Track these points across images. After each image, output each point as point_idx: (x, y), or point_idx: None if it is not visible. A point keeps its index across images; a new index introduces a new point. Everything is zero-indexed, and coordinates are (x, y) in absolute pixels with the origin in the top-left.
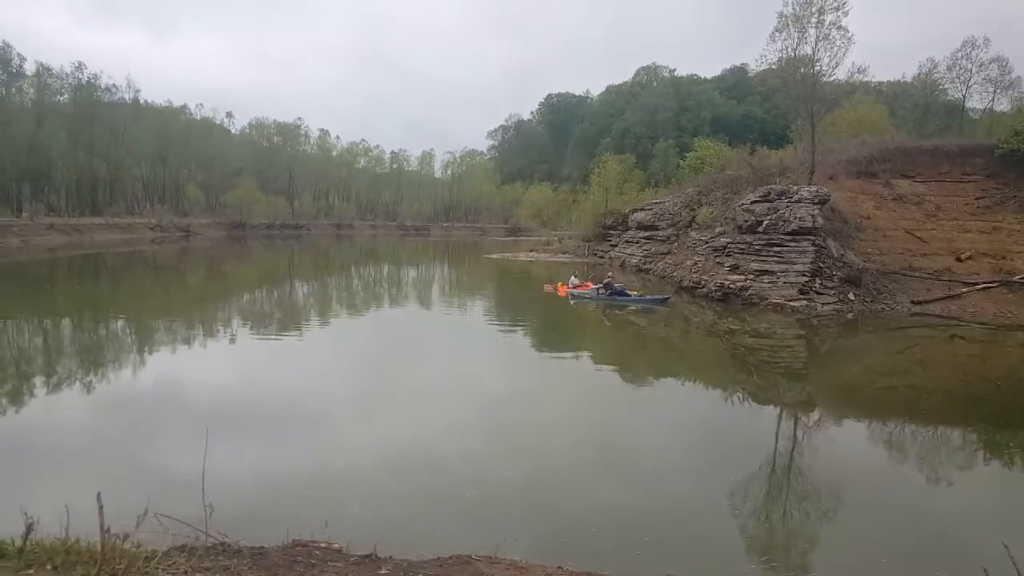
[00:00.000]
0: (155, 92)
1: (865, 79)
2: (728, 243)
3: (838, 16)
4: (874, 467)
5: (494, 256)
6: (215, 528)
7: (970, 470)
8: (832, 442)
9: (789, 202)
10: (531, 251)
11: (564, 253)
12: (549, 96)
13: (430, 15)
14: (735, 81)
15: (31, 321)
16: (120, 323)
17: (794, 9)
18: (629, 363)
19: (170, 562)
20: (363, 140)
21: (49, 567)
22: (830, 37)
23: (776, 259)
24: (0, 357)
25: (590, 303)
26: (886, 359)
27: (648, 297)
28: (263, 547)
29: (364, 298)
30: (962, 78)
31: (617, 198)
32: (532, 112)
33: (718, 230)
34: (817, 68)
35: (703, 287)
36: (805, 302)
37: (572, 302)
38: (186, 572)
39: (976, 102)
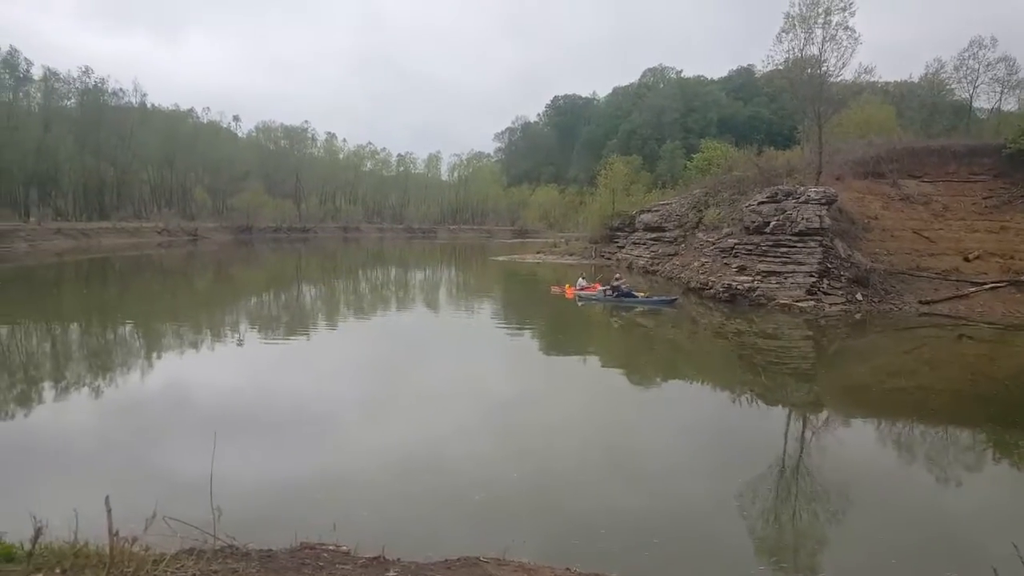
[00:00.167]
0: (162, 96)
1: (872, 79)
2: (735, 244)
3: (845, 16)
4: (883, 467)
5: (501, 258)
6: (223, 531)
7: (979, 470)
8: (840, 443)
9: (796, 203)
10: (538, 253)
11: (571, 255)
12: (555, 98)
13: (430, 15)
14: (742, 82)
15: (39, 325)
16: (128, 327)
17: (801, 10)
18: (637, 365)
19: (178, 565)
20: (370, 143)
21: (58, 570)
22: (837, 38)
23: (783, 260)
24: (9, 361)
25: (597, 305)
26: (894, 359)
27: (655, 298)
28: (271, 550)
29: (371, 301)
30: (969, 78)
31: (624, 200)
32: (539, 114)
33: (725, 231)
34: (824, 69)
35: (710, 288)
36: (813, 303)
37: (579, 304)
38: (194, 575)
39: (983, 102)
